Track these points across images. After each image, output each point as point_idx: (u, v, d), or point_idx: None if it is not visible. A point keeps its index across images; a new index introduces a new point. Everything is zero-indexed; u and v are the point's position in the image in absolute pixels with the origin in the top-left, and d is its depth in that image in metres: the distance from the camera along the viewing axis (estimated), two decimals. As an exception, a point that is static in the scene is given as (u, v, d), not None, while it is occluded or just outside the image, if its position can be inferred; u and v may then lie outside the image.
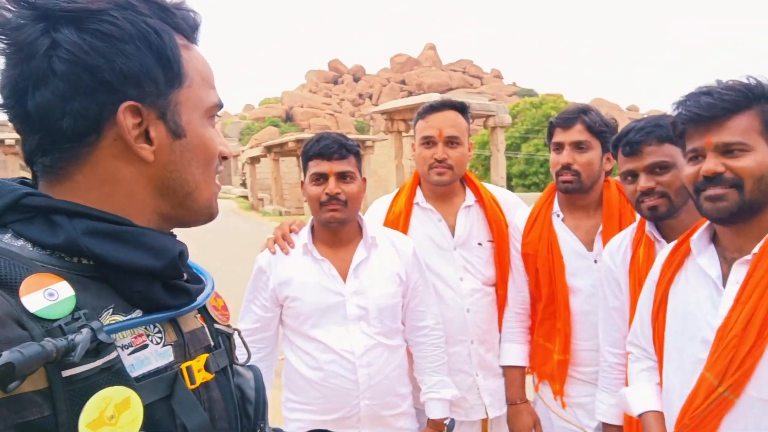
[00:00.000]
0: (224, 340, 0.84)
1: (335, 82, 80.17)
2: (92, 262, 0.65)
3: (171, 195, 0.73)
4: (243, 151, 35.95)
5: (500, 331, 2.07)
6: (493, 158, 19.29)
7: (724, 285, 1.20)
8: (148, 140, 0.68)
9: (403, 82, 72.79)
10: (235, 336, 0.90)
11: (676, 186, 1.52)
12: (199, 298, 0.78)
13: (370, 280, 1.78)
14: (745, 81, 1.17)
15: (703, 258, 1.26)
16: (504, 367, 2.06)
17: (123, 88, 0.65)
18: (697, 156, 1.20)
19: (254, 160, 29.28)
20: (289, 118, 62.61)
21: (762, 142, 1.14)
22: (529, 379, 2.09)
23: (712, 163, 1.16)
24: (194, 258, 0.83)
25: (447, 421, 1.85)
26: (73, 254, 0.64)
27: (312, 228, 1.85)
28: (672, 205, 1.54)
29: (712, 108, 1.15)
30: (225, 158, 0.80)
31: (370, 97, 72.35)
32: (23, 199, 0.63)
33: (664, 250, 1.42)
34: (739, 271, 1.17)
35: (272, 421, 1.88)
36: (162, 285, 0.70)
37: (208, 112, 0.75)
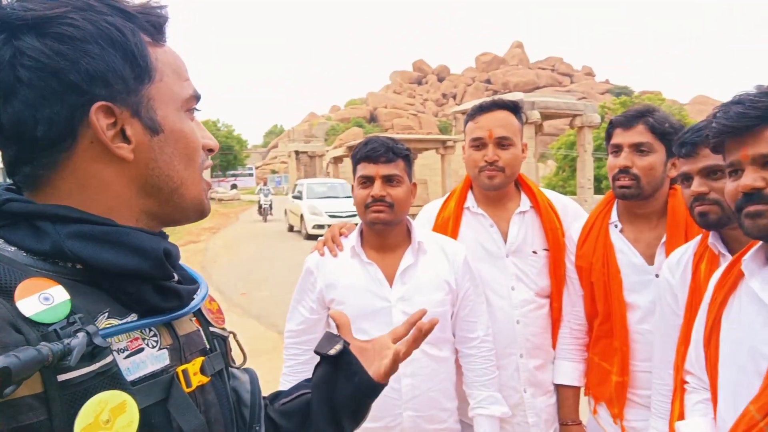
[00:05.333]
0: (220, 343, 0.84)
1: (419, 83, 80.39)
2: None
3: (156, 193, 0.72)
4: (327, 150, 36.79)
5: (554, 346, 1.96)
6: (580, 159, 18.49)
7: None
8: (125, 139, 0.68)
9: (488, 81, 71.72)
10: (231, 339, 0.90)
11: None
12: (194, 302, 0.77)
13: (417, 287, 1.74)
14: None
15: (756, 281, 1.11)
16: (557, 386, 1.95)
17: (91, 89, 0.64)
18: (736, 170, 1.09)
19: (337, 160, 29.91)
20: (373, 118, 63.52)
21: None
22: (584, 400, 1.97)
23: (750, 178, 1.04)
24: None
25: None
26: (63, 259, 0.64)
27: (361, 232, 1.84)
28: (725, 214, 1.40)
29: (743, 118, 1.04)
30: (211, 151, 0.79)
31: (454, 97, 71.86)
32: (4, 205, 0.64)
33: (719, 269, 1.28)
34: None
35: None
36: (152, 287, 0.69)
37: (185, 104, 0.74)
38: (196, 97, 0.76)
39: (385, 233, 1.77)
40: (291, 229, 16.54)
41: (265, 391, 0.95)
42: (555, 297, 1.94)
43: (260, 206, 20.64)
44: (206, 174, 0.82)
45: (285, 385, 1.85)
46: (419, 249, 1.78)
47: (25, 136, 0.64)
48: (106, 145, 0.66)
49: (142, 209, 0.72)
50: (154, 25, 0.72)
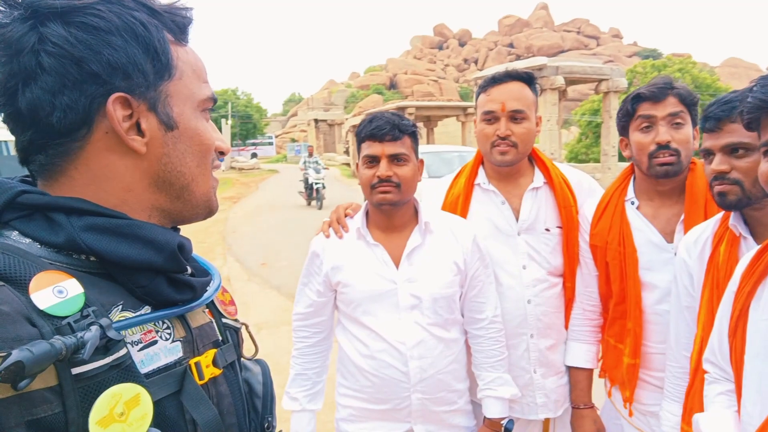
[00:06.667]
0: (232, 335, 0.84)
1: (440, 48, 78.89)
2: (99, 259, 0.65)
3: (167, 188, 0.73)
4: (347, 119, 36.51)
5: (566, 326, 1.90)
6: (605, 126, 18.04)
7: None
8: (140, 132, 0.68)
9: (511, 45, 70.02)
10: (243, 330, 0.90)
11: (755, 174, 1.28)
12: (207, 293, 0.78)
13: (425, 268, 1.69)
14: None
15: None
16: (569, 368, 1.89)
17: (111, 79, 0.64)
18: None
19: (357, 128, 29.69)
20: (393, 85, 62.75)
21: None
22: (600, 383, 1.91)
23: None
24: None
25: (505, 422, 1.72)
26: (78, 252, 0.64)
27: (366, 212, 1.79)
28: (745, 195, 1.32)
29: None
30: (222, 154, 0.79)
31: (476, 62, 70.43)
32: (19, 197, 0.64)
33: (746, 255, 1.20)
34: None
35: (326, 404, 1.89)
36: (166, 279, 0.70)
37: (201, 105, 0.75)
38: (213, 99, 0.77)
39: (391, 214, 1.72)
40: None
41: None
42: (568, 276, 1.87)
43: (308, 185, 14.54)
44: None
45: (295, 368, 1.85)
46: (426, 229, 1.73)
47: (41, 122, 0.64)
48: (121, 135, 0.66)
49: (153, 204, 0.73)
50: (179, 25, 0.73)
